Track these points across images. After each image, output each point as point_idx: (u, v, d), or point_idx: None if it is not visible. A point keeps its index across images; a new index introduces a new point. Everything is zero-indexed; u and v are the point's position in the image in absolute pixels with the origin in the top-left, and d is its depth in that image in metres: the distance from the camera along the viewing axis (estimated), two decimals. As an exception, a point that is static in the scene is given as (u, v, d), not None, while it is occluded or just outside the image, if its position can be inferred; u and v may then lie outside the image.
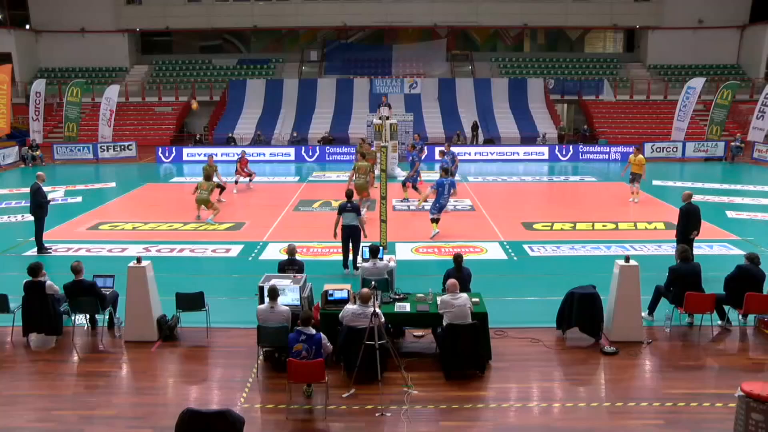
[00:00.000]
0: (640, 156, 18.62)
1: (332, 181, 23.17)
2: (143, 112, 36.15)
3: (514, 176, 24.67)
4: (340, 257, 12.12)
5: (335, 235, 12.03)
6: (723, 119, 29.35)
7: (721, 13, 37.03)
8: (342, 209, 11.92)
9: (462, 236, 14.54)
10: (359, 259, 11.41)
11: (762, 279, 9.29)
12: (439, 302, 8.21)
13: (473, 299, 8.40)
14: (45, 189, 13.65)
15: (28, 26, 38.00)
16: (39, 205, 13.26)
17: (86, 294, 8.96)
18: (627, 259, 8.96)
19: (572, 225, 15.75)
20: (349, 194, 12.24)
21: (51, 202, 13.78)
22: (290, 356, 7.24)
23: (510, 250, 13.54)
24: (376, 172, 19.93)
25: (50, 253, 13.27)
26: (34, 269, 8.95)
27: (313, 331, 7.34)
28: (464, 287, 8.93)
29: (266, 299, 8.17)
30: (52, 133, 32.01)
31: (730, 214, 16.92)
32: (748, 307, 9.03)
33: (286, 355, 7.50)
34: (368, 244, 10.48)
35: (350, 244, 11.90)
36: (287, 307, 8.17)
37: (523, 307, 10.29)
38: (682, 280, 9.17)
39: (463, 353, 7.92)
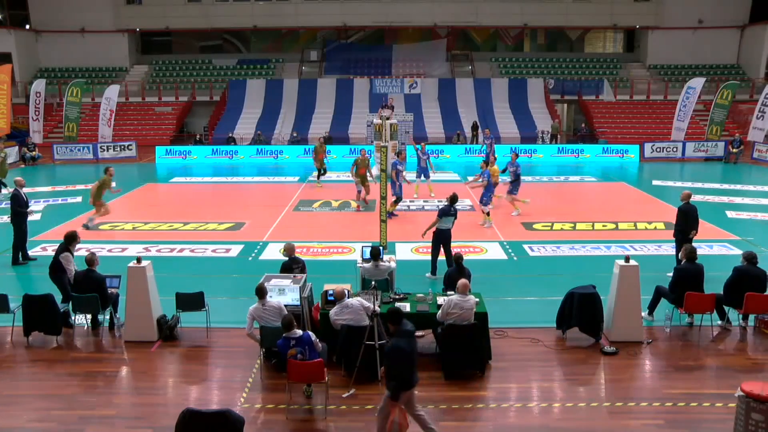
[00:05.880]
0: (495, 166, 16.73)
1: (332, 181, 23.14)
2: (143, 112, 36.12)
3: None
4: (340, 257, 12.07)
5: (424, 234, 11.74)
6: (723, 119, 29.34)
7: (721, 13, 37.01)
8: (444, 212, 11.50)
9: (462, 236, 14.51)
10: (359, 260, 11.38)
11: (763, 278, 9.24)
12: (445, 301, 8.07)
13: (473, 299, 8.40)
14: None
15: (28, 26, 37.98)
16: (16, 213, 12.65)
17: (94, 286, 8.98)
18: (627, 259, 8.96)
19: (572, 225, 15.75)
20: (454, 198, 11.75)
21: (30, 214, 13.08)
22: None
23: (510, 250, 13.53)
24: (375, 171, 19.95)
25: (32, 260, 12.84)
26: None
27: (300, 332, 7.24)
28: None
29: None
30: (52, 133, 31.97)
31: (730, 214, 16.91)
32: (748, 307, 9.03)
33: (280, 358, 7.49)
34: (369, 245, 10.46)
35: (440, 248, 11.54)
36: (278, 301, 8.16)
37: (523, 307, 10.29)
38: (686, 281, 9.15)
39: (463, 353, 7.92)
